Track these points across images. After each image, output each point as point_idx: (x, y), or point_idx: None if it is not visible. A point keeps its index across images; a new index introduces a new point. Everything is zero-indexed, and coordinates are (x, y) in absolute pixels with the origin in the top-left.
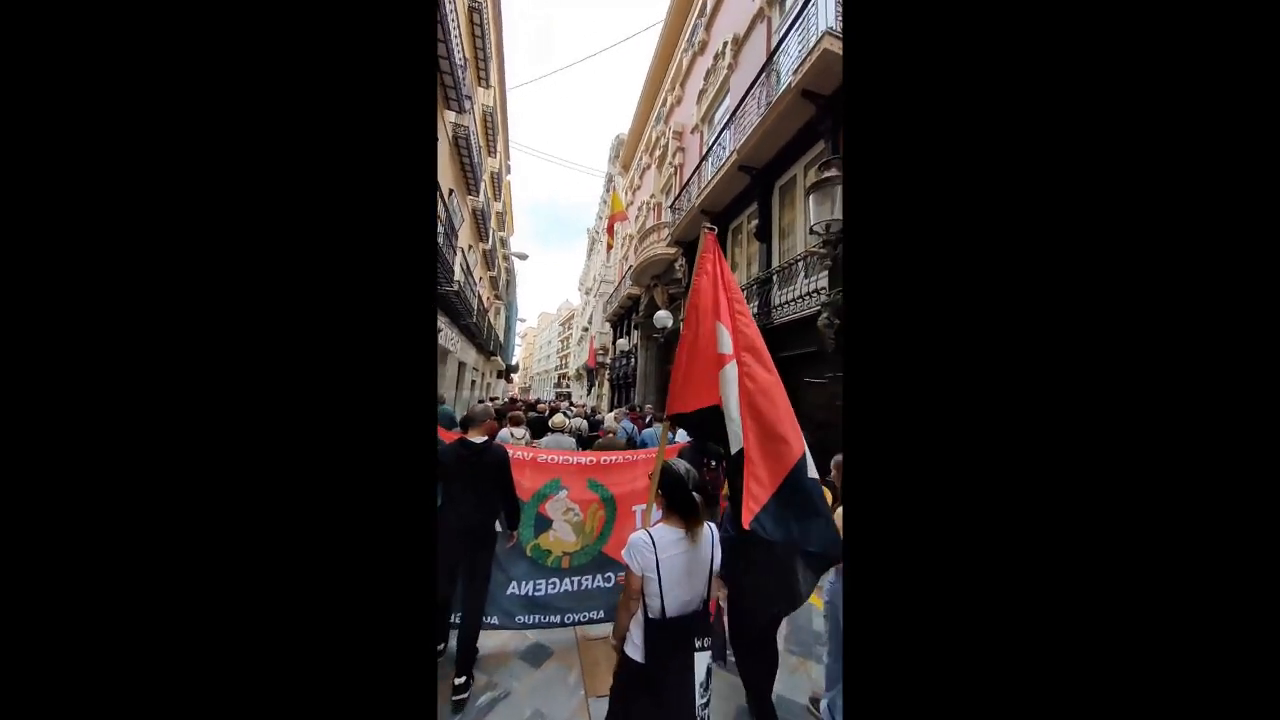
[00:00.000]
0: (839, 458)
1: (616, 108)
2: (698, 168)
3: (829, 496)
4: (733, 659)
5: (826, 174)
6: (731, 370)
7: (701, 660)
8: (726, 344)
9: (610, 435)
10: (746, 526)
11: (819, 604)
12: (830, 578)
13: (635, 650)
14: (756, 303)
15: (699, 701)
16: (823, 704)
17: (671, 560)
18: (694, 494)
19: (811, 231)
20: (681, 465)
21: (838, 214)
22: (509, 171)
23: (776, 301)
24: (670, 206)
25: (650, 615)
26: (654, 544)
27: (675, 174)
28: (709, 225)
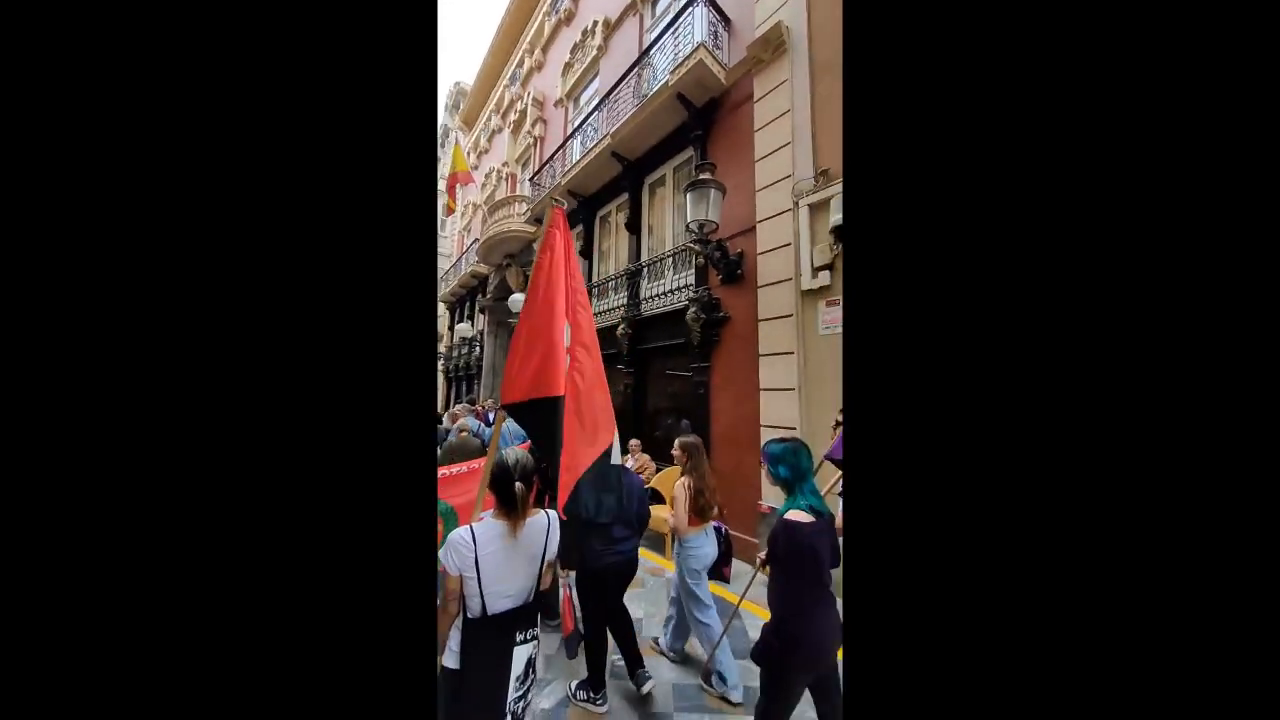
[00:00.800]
0: (680, 439)
1: (454, 50)
2: (564, 144)
3: (677, 472)
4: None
5: (703, 175)
6: (566, 363)
7: (521, 654)
8: (567, 339)
9: (465, 435)
10: (562, 515)
11: (670, 565)
12: (678, 551)
13: (452, 658)
14: (626, 294)
15: (512, 695)
16: (714, 677)
17: (492, 556)
18: (518, 484)
19: (687, 229)
20: (512, 455)
21: (712, 215)
22: None
23: (645, 294)
24: (530, 180)
25: (470, 615)
26: (474, 541)
27: (535, 146)
28: (557, 199)
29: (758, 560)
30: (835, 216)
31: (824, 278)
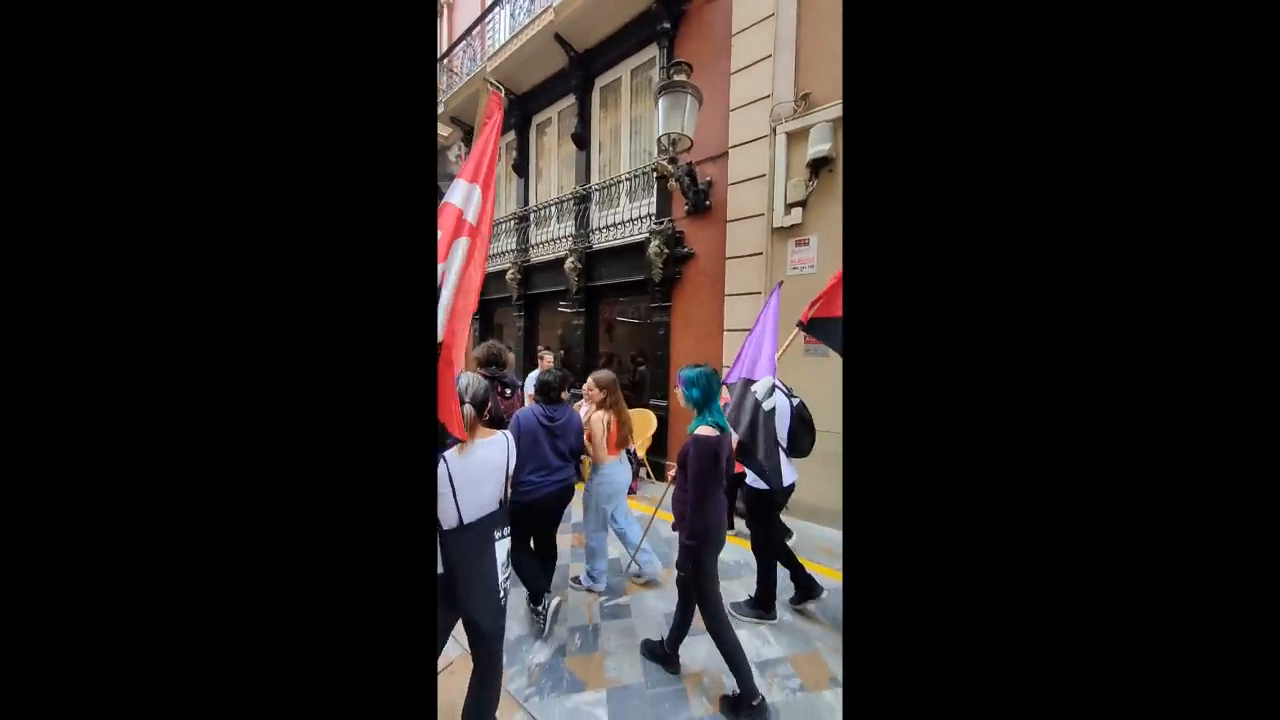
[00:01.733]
0: (595, 375)
1: None
2: (484, 17)
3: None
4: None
5: (678, 77)
6: (463, 245)
7: (502, 547)
8: (473, 212)
9: None
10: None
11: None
12: (594, 479)
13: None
14: (573, 221)
15: (501, 577)
16: (582, 574)
17: (461, 472)
18: (466, 406)
19: (658, 143)
20: (463, 380)
21: (688, 129)
22: None
23: (597, 224)
24: (439, 61)
25: (446, 527)
26: (445, 460)
27: (442, 14)
28: (493, 82)
29: (669, 476)
30: (814, 148)
31: (796, 215)
